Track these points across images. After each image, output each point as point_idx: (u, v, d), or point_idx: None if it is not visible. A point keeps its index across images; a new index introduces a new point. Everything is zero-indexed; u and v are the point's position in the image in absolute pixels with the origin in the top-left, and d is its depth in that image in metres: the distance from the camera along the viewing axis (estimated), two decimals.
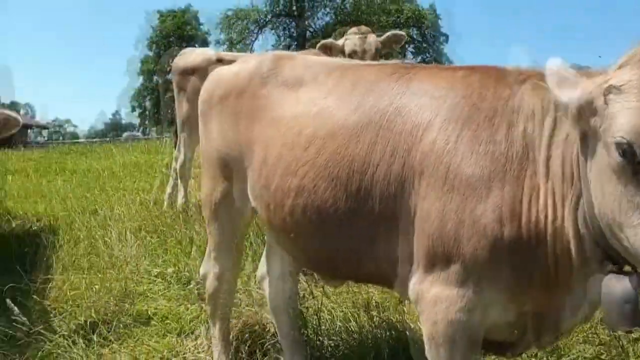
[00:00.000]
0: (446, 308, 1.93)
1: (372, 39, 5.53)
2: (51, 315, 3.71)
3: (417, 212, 2.00)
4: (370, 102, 2.17)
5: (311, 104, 2.34)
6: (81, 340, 3.23)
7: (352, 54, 5.41)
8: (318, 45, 5.75)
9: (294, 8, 50.53)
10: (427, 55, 53.23)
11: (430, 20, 51.38)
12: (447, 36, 53.35)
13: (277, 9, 50.88)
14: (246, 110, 2.58)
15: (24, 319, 3.25)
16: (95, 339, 3.31)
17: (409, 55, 51.87)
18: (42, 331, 3.30)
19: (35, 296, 3.47)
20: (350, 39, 5.56)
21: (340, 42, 5.65)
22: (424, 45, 53.19)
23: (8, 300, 3.36)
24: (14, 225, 6.06)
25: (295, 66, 2.57)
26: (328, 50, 5.60)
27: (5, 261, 4.52)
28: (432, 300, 1.97)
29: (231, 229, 2.85)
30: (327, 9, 51.43)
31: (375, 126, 2.10)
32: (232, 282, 3.07)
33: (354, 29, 5.77)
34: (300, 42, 49.84)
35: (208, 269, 2.98)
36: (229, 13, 50.63)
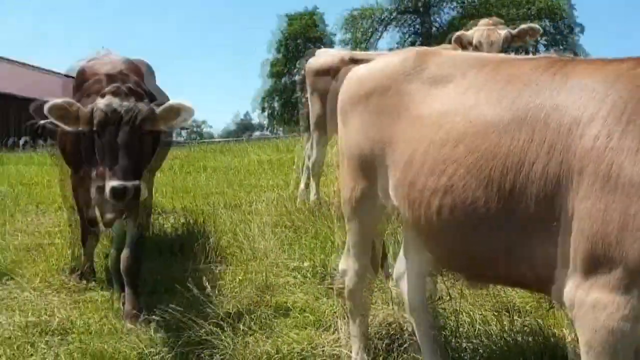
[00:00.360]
0: (608, 315, 1.80)
1: (502, 30, 5.33)
2: (200, 303, 3.96)
3: (576, 213, 1.89)
4: (525, 98, 2.07)
5: (461, 100, 2.28)
6: (229, 329, 3.42)
7: (478, 45, 5.25)
8: (453, 38, 5.64)
9: (419, 4, 49.89)
10: (561, 47, 50.25)
11: (564, 10, 48.38)
12: (582, 27, 49.90)
13: (402, 5, 50.50)
14: (390, 107, 2.56)
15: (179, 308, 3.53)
16: (241, 327, 3.48)
17: (541, 49, 49.27)
18: (193, 318, 3.56)
19: (189, 285, 3.71)
20: (479, 30, 5.39)
21: (469, 33, 5.50)
22: (558, 37, 50.23)
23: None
24: (169, 219, 6.55)
25: (441, 62, 2.52)
26: (460, 43, 5.49)
27: (161, 252, 4.91)
28: (592, 306, 1.85)
29: (372, 227, 2.87)
30: (454, 3, 50.21)
31: (531, 123, 2.00)
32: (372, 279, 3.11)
33: (485, 20, 5.58)
34: (426, 38, 49.14)
35: (348, 265, 3.01)
36: (354, 13, 51.07)
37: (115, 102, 3.37)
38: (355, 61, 6.36)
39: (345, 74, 2.95)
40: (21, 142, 26.75)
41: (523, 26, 5.45)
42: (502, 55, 3.67)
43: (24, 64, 44.90)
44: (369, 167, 2.66)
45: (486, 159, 2.06)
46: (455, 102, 2.30)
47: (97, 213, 4.03)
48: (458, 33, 5.59)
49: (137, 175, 3.28)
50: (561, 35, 50.17)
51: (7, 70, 38.44)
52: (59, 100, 3.43)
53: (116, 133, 3.30)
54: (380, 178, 2.62)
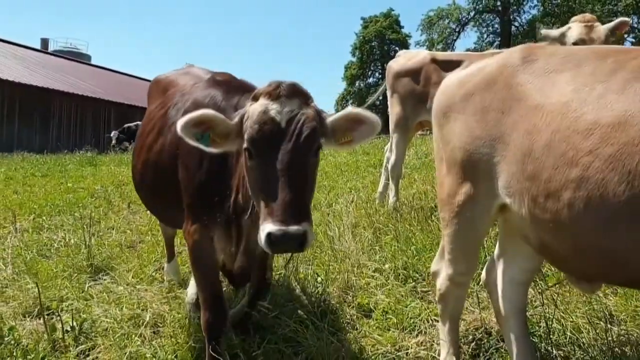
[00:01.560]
0: None
1: (601, 27, 5.08)
2: (285, 302, 4.04)
3: None
4: None
5: (585, 90, 2.18)
6: (313, 327, 3.47)
7: (579, 44, 5.02)
8: (538, 37, 5.45)
9: (498, 3, 48.63)
10: None
11: None
12: None
13: (480, 5, 49.41)
14: (498, 102, 2.49)
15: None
16: (325, 326, 3.52)
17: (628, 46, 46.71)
18: (279, 316, 3.64)
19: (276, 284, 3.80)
20: (574, 28, 5.16)
21: (554, 32, 5.29)
22: None
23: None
24: None
25: (551, 54, 2.45)
26: (550, 41, 5.28)
27: None
28: None
29: (472, 231, 2.77)
30: (534, 2, 48.66)
31: None
32: (466, 284, 3.04)
33: (577, 17, 5.35)
34: (505, 38, 47.82)
35: (440, 268, 2.99)
36: (431, 14, 50.48)
37: (275, 107, 2.39)
38: (436, 61, 6.35)
39: (433, 76, 2.97)
40: (112, 135, 27.92)
41: (615, 21, 5.18)
42: (613, 46, 3.46)
43: (113, 71, 47.47)
44: (474, 168, 2.59)
45: (629, 153, 1.95)
46: (579, 92, 2.20)
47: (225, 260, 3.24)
48: (546, 31, 5.39)
49: (305, 214, 2.27)
50: None
51: (103, 78, 40.69)
52: (195, 115, 2.46)
53: (276, 152, 2.31)
54: (487, 177, 2.54)
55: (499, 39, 49.32)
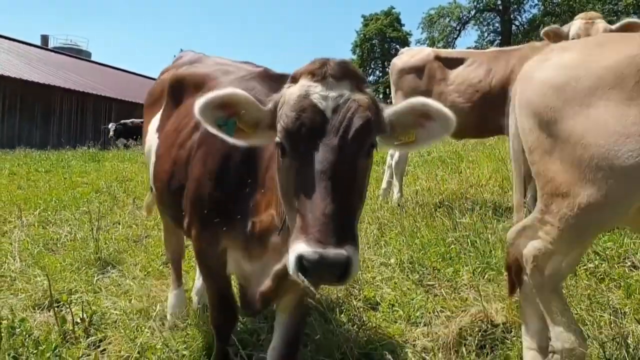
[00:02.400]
0: None
1: (601, 25, 5.12)
2: None
3: None
4: None
5: None
6: (321, 318, 3.52)
7: (576, 39, 5.08)
8: (543, 32, 5.50)
9: (499, 2, 48.69)
10: None
11: None
12: None
13: (481, 4, 49.48)
14: None
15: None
16: (332, 319, 3.58)
17: None
18: None
19: None
20: (575, 24, 5.21)
21: (565, 28, 5.34)
22: None
23: None
24: None
25: None
26: (552, 37, 5.34)
27: None
28: None
29: (596, 227, 2.58)
30: (535, 1, 48.75)
31: None
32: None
33: (581, 15, 5.40)
34: (506, 37, 47.87)
35: (526, 243, 2.77)
36: (432, 12, 50.52)
37: (318, 90, 1.87)
38: (440, 58, 6.40)
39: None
40: (110, 126, 27.79)
41: (623, 21, 5.20)
42: None
43: (114, 68, 47.51)
44: (608, 167, 2.32)
45: None
46: None
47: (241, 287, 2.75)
48: (550, 27, 5.44)
49: (350, 234, 1.72)
50: None
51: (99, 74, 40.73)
52: (221, 93, 1.98)
53: (317, 148, 1.78)
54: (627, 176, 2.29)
55: (500, 37, 49.39)
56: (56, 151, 18.81)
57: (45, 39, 50.65)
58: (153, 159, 3.39)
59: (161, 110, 3.55)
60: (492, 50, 6.60)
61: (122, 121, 28.12)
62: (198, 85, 3.18)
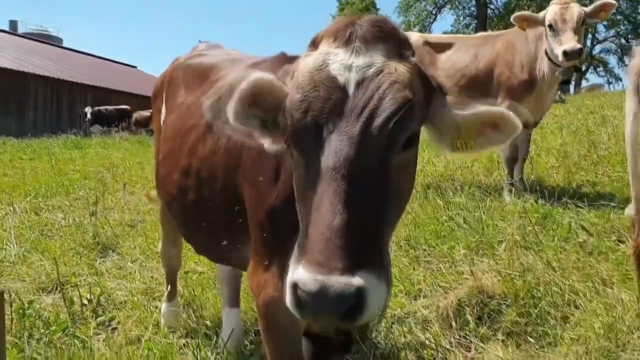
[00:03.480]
0: None
1: (576, 9, 5.29)
2: None
3: None
4: None
5: None
6: None
7: (553, 24, 5.24)
8: (512, 17, 5.65)
9: None
10: (622, 28, 48.41)
11: None
12: None
13: None
14: None
15: None
16: None
17: (601, 29, 47.61)
18: None
19: None
20: (551, 9, 5.37)
21: (541, 14, 5.49)
22: (618, 17, 48.39)
23: None
24: None
25: None
26: (524, 23, 5.50)
27: None
28: None
29: None
30: None
31: None
32: None
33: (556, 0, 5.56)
34: (481, 21, 48.19)
35: None
36: None
37: (340, 58, 1.40)
38: (428, 44, 6.54)
39: None
40: (87, 109, 27.22)
41: (597, 2, 5.39)
42: None
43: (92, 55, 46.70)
44: None
45: None
46: None
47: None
48: (520, 13, 5.60)
49: (368, 257, 1.26)
50: (622, 15, 48.31)
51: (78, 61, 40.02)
52: (252, 80, 1.48)
53: (333, 137, 1.34)
54: None
55: (475, 21, 49.65)
56: (36, 139, 18.57)
57: (14, 24, 49.47)
58: (154, 162, 3.03)
59: (163, 104, 3.17)
60: (478, 35, 6.75)
61: (97, 108, 27.72)
62: (202, 75, 2.83)
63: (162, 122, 3.15)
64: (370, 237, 1.29)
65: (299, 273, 1.24)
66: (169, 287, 3.82)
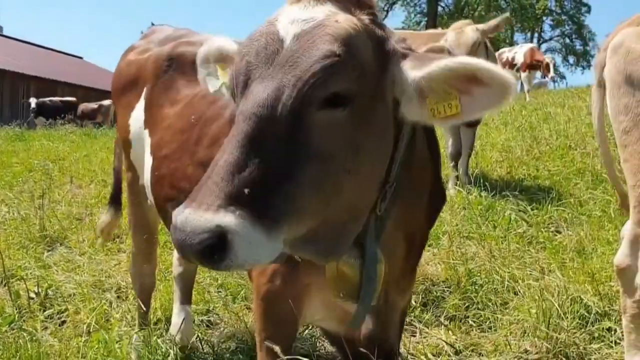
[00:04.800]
0: None
1: (469, 33, 5.57)
2: None
3: None
4: None
5: None
6: None
7: (451, 50, 5.50)
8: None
9: None
10: (567, 27, 50.22)
11: None
12: (589, 7, 49.78)
13: None
14: None
15: None
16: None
17: (547, 28, 49.24)
18: None
19: None
20: (448, 35, 5.69)
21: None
22: (563, 17, 50.20)
23: None
24: None
25: None
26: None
27: None
28: None
29: None
30: None
31: None
32: None
33: (453, 26, 5.86)
34: (431, 18, 49.05)
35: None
36: None
37: (290, 14, 1.39)
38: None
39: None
40: (31, 100, 26.14)
41: (491, 22, 5.70)
42: None
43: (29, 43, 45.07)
44: None
45: None
46: None
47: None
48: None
49: (246, 198, 1.18)
50: (567, 16, 50.13)
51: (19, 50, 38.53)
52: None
53: (254, 82, 1.34)
54: None
55: (426, 19, 50.51)
56: None
57: None
58: (149, 161, 2.68)
59: (142, 99, 2.87)
60: (428, 32, 6.95)
61: (42, 99, 26.80)
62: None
63: (142, 118, 2.84)
64: (265, 188, 1.21)
65: (178, 209, 1.21)
66: (141, 310, 3.29)
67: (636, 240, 2.51)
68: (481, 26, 5.64)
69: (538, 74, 17.83)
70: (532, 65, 17.35)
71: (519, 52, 17.66)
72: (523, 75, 17.23)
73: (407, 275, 1.93)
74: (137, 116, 2.89)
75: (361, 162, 1.37)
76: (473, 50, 5.47)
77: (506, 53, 17.71)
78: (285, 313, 1.85)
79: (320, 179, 1.30)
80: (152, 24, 3.56)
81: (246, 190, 1.18)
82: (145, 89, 2.85)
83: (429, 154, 1.81)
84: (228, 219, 1.14)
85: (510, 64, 16.93)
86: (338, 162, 1.32)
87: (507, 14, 5.81)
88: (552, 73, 18.04)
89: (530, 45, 18.16)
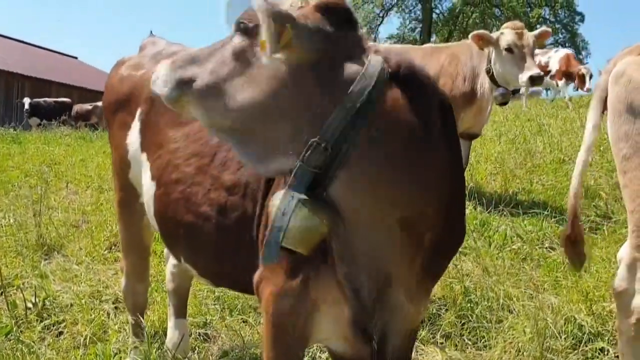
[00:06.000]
0: None
1: (530, 35, 5.61)
2: None
3: None
4: None
5: None
6: None
7: (513, 47, 5.53)
8: (471, 35, 5.89)
9: None
10: (560, 36, 50.53)
11: None
12: (582, 15, 50.13)
13: None
14: None
15: None
16: None
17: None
18: None
19: None
20: (507, 34, 5.65)
21: (494, 35, 5.75)
22: (557, 26, 50.51)
23: None
24: None
25: None
26: (481, 42, 5.75)
27: None
28: None
29: None
30: None
31: None
32: None
33: (508, 24, 5.84)
34: (426, 25, 49.26)
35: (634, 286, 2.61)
36: None
37: None
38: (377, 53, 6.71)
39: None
40: (25, 100, 25.78)
41: (540, 30, 5.76)
42: None
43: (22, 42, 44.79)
44: None
45: None
46: None
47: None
48: (479, 32, 5.83)
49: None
50: (561, 24, 50.45)
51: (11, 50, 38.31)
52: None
53: None
54: None
55: (421, 25, 50.70)
56: None
57: None
58: (150, 186, 2.63)
59: (137, 120, 2.82)
60: (426, 47, 6.99)
61: (36, 100, 26.62)
62: None
63: (137, 140, 2.79)
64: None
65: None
66: (135, 328, 3.26)
67: (633, 264, 2.55)
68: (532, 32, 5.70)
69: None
70: (569, 73, 15.28)
71: (554, 57, 15.35)
72: (560, 84, 15.51)
73: (422, 283, 1.83)
74: (133, 137, 2.83)
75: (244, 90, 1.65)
76: (531, 52, 5.55)
77: (539, 56, 15.06)
78: (294, 332, 1.84)
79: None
80: (151, 33, 3.47)
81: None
82: (139, 110, 2.81)
83: (447, 144, 1.74)
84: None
85: (544, 70, 14.33)
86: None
87: (547, 28, 5.85)
88: (588, 84, 14.89)
89: (565, 51, 15.30)
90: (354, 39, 1.68)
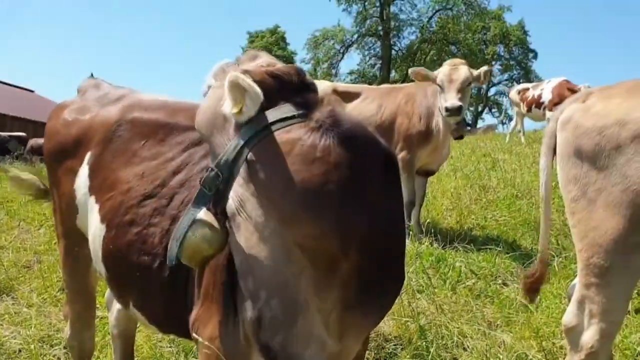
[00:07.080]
0: None
1: (463, 70, 5.82)
2: None
3: None
4: None
5: None
6: None
7: (441, 84, 5.74)
8: (410, 71, 6.10)
9: (380, 28, 51.21)
10: (515, 72, 52.32)
11: (518, 36, 50.68)
12: (535, 53, 52.23)
13: (363, 28, 51.74)
14: None
15: None
16: None
17: (496, 72, 51.22)
18: None
19: None
20: (441, 70, 5.88)
21: (435, 72, 5.96)
22: (512, 62, 52.37)
23: None
24: None
25: None
26: (420, 77, 5.95)
27: None
28: None
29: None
30: (413, 28, 51.83)
31: None
32: (614, 336, 2.77)
33: (449, 61, 6.07)
34: (385, 61, 50.39)
35: (582, 322, 2.69)
36: (317, 34, 51.99)
37: None
38: (337, 92, 6.86)
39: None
40: None
41: (481, 69, 5.96)
42: None
43: None
44: None
45: None
46: None
47: None
48: (417, 68, 6.06)
49: None
50: (515, 61, 52.33)
51: None
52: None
53: None
54: None
55: (380, 61, 51.84)
56: None
57: None
58: (99, 229, 2.55)
59: (85, 164, 2.76)
60: (383, 87, 7.18)
61: None
62: (151, 132, 2.63)
63: (86, 184, 2.72)
64: None
65: None
66: None
67: (582, 300, 2.66)
68: (474, 71, 5.85)
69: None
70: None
71: (547, 87, 14.57)
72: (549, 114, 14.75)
73: (347, 318, 1.74)
74: (81, 182, 2.75)
75: None
76: (463, 87, 5.70)
77: (530, 90, 15.03)
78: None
79: None
80: (92, 75, 3.49)
81: None
82: (89, 153, 2.75)
83: (384, 192, 1.77)
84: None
85: (537, 103, 14.42)
86: None
87: (489, 67, 6.03)
88: None
89: (559, 79, 14.42)
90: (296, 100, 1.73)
